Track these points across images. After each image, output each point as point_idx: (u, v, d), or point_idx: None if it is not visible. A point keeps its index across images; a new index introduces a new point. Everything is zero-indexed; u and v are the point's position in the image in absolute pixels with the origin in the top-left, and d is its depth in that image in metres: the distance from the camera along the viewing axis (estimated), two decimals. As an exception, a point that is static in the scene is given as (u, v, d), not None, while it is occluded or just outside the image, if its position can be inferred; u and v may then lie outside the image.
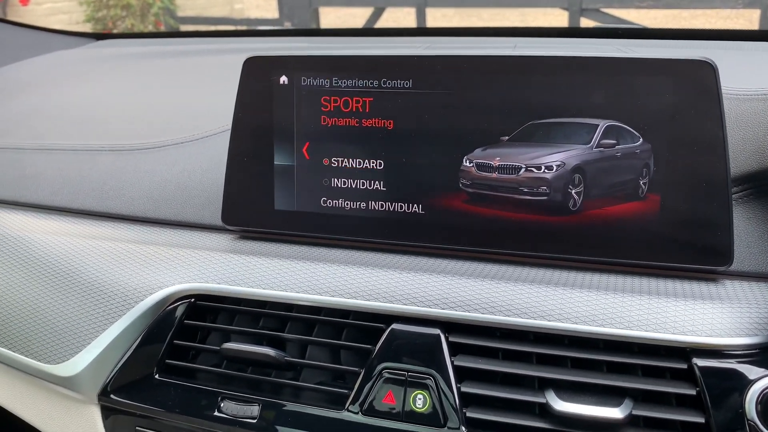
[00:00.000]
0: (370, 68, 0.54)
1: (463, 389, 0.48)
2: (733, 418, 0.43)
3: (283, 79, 0.57)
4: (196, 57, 1.02)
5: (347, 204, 0.56)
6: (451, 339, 0.49)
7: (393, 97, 0.54)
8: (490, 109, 0.52)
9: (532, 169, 0.52)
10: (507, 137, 0.52)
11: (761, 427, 0.43)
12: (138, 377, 0.56)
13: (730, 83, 0.54)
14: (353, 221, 0.56)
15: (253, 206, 0.59)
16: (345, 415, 0.50)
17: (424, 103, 0.53)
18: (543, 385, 0.47)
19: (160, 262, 0.58)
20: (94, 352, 0.56)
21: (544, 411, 0.46)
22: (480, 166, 0.53)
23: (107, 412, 0.58)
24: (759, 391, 0.43)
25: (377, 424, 0.49)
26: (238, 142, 0.59)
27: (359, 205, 0.56)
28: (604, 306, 0.47)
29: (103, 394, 0.57)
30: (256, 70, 0.58)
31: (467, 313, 0.49)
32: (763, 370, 0.44)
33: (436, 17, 6.07)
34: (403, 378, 0.49)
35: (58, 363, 0.57)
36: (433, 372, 0.48)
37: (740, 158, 0.52)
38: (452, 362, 0.48)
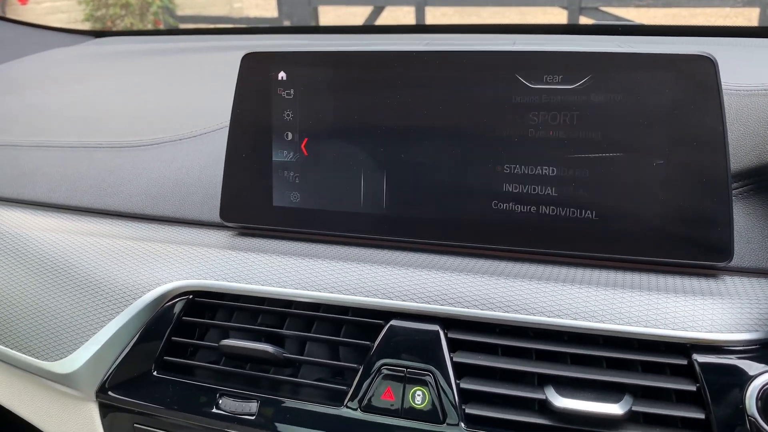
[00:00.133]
0: (369, 64, 0.54)
1: (463, 385, 0.48)
2: (734, 413, 0.43)
3: (282, 74, 0.57)
4: (195, 54, 1.01)
5: (346, 200, 0.56)
6: (450, 335, 0.49)
7: (392, 93, 0.54)
8: (489, 108, 0.52)
9: None
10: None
11: (762, 422, 0.43)
12: (136, 374, 0.56)
13: (730, 79, 0.53)
14: (352, 217, 0.56)
15: (252, 203, 0.59)
16: (344, 411, 0.50)
17: (421, 98, 0.53)
18: (542, 381, 0.47)
19: (158, 258, 0.57)
20: (92, 349, 0.56)
21: (544, 407, 0.46)
22: None
23: (105, 409, 0.58)
24: (759, 387, 0.43)
25: (376, 420, 0.49)
26: (236, 138, 0.59)
27: (358, 201, 0.56)
28: (603, 302, 0.47)
29: (101, 391, 0.57)
30: (254, 66, 0.58)
31: (466, 309, 0.49)
32: (763, 365, 0.44)
33: (435, 16, 6.07)
34: (402, 374, 0.49)
35: (56, 360, 0.57)
36: (432, 368, 0.48)
37: (740, 154, 0.51)
38: (451, 358, 0.48)
